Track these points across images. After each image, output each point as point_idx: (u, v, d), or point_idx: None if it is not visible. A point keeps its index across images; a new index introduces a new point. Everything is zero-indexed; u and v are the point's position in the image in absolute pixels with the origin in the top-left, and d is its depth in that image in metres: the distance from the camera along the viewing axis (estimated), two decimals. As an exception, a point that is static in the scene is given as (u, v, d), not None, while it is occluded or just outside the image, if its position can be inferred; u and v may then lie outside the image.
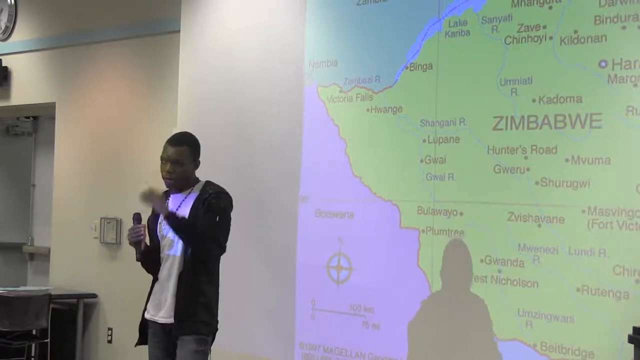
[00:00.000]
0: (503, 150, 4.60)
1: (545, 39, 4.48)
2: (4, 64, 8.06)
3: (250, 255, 5.62)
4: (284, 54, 5.61)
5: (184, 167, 4.12)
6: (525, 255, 4.48)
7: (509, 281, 4.53)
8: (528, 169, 4.51)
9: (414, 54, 4.98)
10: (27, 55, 7.96)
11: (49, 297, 6.81)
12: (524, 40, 4.55)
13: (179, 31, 6.27)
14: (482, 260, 4.63)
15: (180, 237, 4.05)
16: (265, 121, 5.67)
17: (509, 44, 4.61)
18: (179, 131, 4.58)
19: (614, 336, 4.14)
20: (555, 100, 4.43)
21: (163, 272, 4.13)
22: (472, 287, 4.65)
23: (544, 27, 4.48)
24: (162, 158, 4.15)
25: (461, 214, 4.74)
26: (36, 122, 8.82)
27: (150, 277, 4.25)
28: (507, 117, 4.59)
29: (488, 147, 4.65)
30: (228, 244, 4.18)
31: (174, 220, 4.03)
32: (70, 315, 7.22)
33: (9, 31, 8.11)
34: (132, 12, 7.06)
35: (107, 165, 7.22)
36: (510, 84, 4.59)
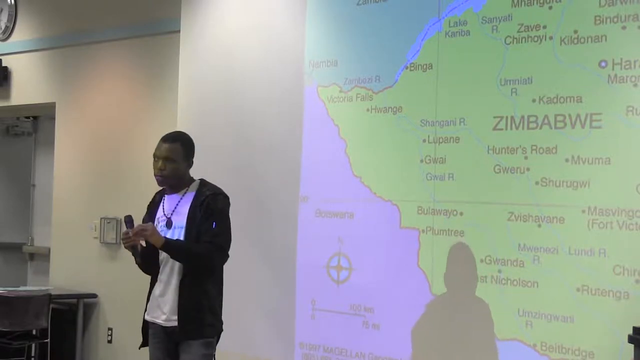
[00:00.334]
0: (503, 150, 4.59)
1: (545, 39, 4.48)
2: (4, 64, 8.06)
3: (250, 255, 5.62)
4: (284, 54, 5.61)
5: (176, 165, 4.06)
6: (525, 255, 4.48)
7: (509, 281, 4.53)
8: (528, 169, 4.51)
9: (414, 54, 4.98)
10: (27, 55, 7.96)
11: (49, 297, 6.81)
12: (524, 40, 4.55)
13: (179, 31, 6.27)
14: (482, 261, 4.63)
15: (181, 262, 4.01)
16: (265, 121, 5.67)
17: (509, 44, 4.61)
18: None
19: (614, 336, 4.14)
20: (555, 100, 4.43)
21: (164, 273, 4.09)
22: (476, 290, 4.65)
23: (544, 27, 4.48)
24: (154, 155, 4.10)
25: (461, 214, 4.74)
26: (36, 122, 8.82)
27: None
28: (507, 117, 4.59)
29: (488, 147, 4.65)
30: (228, 244, 4.16)
31: (169, 248, 3.97)
32: (70, 315, 7.22)
33: (9, 31, 8.11)
34: (132, 12, 7.06)
35: (107, 165, 7.22)
36: (510, 84, 4.59)
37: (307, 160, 5.44)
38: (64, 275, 7.55)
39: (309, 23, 5.50)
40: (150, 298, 4.18)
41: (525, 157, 4.51)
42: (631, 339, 3.79)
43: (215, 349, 4.12)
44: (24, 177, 8.95)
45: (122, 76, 7.14)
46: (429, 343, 4.84)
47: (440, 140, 4.84)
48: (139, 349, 4.28)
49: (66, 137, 7.61)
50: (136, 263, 4.20)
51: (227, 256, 4.10)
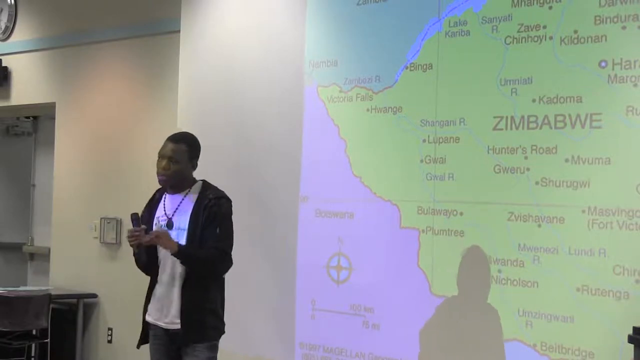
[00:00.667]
0: (503, 150, 4.59)
1: (545, 39, 4.48)
2: (4, 64, 8.06)
3: (250, 255, 5.62)
4: (284, 54, 5.61)
5: (179, 166, 4.04)
6: (525, 255, 4.48)
7: (509, 281, 4.53)
8: (528, 169, 4.51)
9: (414, 54, 4.98)
10: (27, 55, 7.95)
11: (49, 297, 6.81)
12: (524, 40, 4.55)
13: (179, 31, 6.27)
14: (482, 260, 4.64)
15: (190, 268, 3.98)
16: (265, 121, 5.67)
17: (509, 44, 4.61)
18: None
19: (614, 336, 4.14)
20: (555, 100, 4.43)
21: (165, 273, 4.06)
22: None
23: (544, 27, 4.48)
24: (159, 154, 4.08)
25: (461, 214, 4.73)
26: (36, 122, 8.81)
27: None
28: (507, 117, 4.59)
29: (488, 147, 4.65)
30: (228, 244, 4.16)
31: (181, 255, 3.94)
32: (70, 315, 7.22)
33: (9, 31, 8.11)
34: (132, 12, 7.06)
35: (107, 165, 7.22)
36: (510, 84, 4.59)
37: (307, 160, 5.44)
38: (64, 275, 7.55)
39: (309, 23, 5.50)
40: (152, 299, 4.14)
41: (525, 157, 4.51)
42: (631, 339, 3.79)
43: (218, 351, 4.11)
44: (24, 177, 8.94)
45: (122, 76, 7.14)
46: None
47: (440, 140, 4.84)
48: (137, 347, 4.27)
49: (66, 137, 7.61)
50: (137, 263, 4.18)
51: (232, 262, 4.08)
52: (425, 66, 4.93)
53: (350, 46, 5.30)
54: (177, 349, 4.05)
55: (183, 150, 4.06)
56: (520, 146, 4.53)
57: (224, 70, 5.93)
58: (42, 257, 8.49)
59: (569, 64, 4.40)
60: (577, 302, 4.28)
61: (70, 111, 7.58)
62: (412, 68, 4.99)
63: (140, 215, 4.10)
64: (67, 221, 7.55)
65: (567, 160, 4.37)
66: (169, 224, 4.06)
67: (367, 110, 5.16)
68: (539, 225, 4.44)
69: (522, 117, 4.53)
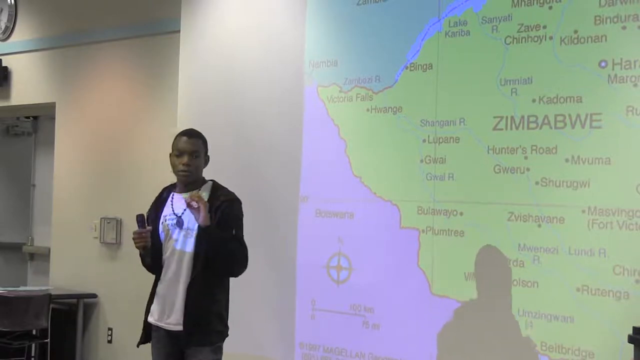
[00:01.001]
0: (503, 150, 4.59)
1: (545, 39, 4.48)
2: (4, 64, 8.06)
3: (250, 255, 5.60)
4: (284, 54, 5.61)
5: (199, 161, 4.03)
6: (525, 255, 4.48)
7: (509, 281, 4.53)
8: (528, 169, 4.51)
9: (414, 54, 4.98)
10: (27, 55, 7.96)
11: (49, 297, 6.81)
12: (524, 40, 4.55)
13: (179, 31, 6.27)
14: (482, 260, 4.64)
15: (214, 253, 3.91)
16: (265, 121, 5.67)
17: (509, 44, 4.61)
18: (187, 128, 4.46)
19: (614, 336, 4.14)
20: (555, 100, 4.43)
21: (169, 273, 4.01)
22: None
23: (544, 27, 4.48)
24: (178, 150, 4.01)
25: (461, 214, 4.73)
26: (36, 122, 8.81)
27: (151, 276, 4.16)
28: (507, 117, 4.59)
29: (488, 147, 4.65)
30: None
31: (213, 231, 3.89)
32: (70, 315, 7.22)
33: (9, 31, 8.11)
34: (132, 12, 7.06)
35: (107, 165, 7.22)
36: (510, 84, 4.59)
37: (307, 160, 5.44)
38: (64, 275, 7.55)
39: (309, 23, 5.50)
40: (155, 300, 4.09)
41: (525, 157, 4.51)
42: (631, 339, 3.79)
43: (222, 353, 4.08)
44: (24, 177, 8.94)
45: (122, 76, 7.14)
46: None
47: (440, 140, 4.84)
48: (137, 346, 4.24)
49: (66, 137, 7.61)
50: (143, 264, 4.15)
51: (247, 267, 4.07)
52: (425, 66, 4.93)
53: (350, 46, 5.30)
54: (180, 351, 4.01)
55: (201, 145, 4.06)
56: (520, 146, 4.53)
57: (224, 70, 5.93)
58: (42, 257, 8.49)
59: (569, 64, 4.40)
60: (577, 302, 4.28)
61: (70, 111, 7.58)
62: (412, 68, 4.99)
63: (146, 215, 4.07)
64: (67, 221, 7.55)
65: (567, 160, 4.37)
66: (179, 223, 4.00)
67: (367, 110, 5.16)
68: (539, 225, 4.44)
69: (522, 117, 4.53)
